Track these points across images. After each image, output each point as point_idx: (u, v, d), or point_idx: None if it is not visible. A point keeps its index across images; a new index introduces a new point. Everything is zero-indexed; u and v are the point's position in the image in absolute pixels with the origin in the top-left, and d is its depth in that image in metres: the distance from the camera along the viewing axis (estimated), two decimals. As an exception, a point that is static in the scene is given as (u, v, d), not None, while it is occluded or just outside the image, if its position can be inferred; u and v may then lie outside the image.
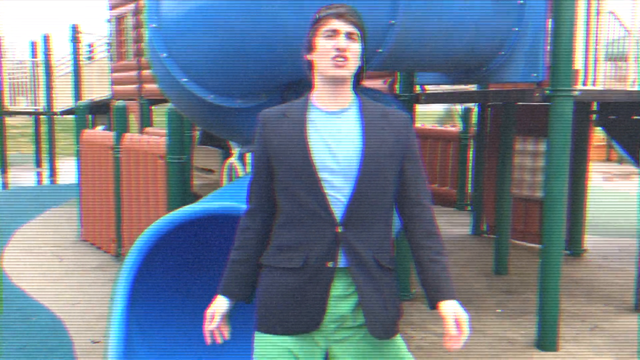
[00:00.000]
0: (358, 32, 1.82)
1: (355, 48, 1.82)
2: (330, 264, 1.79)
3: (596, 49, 4.27)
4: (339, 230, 1.79)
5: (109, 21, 9.33)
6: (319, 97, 1.88)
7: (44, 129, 14.87)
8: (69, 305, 4.98)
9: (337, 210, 1.79)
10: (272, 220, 1.93)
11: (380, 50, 3.36)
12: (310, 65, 1.88)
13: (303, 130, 1.83)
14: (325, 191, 1.79)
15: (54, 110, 13.55)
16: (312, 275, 1.80)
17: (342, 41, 1.80)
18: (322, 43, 1.82)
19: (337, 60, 1.80)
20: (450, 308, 1.81)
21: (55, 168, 13.87)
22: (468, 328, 1.80)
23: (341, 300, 1.82)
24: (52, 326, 4.54)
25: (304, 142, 1.81)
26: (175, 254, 3.22)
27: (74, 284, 5.57)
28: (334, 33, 1.80)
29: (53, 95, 13.55)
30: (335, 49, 1.79)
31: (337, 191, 1.80)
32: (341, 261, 1.80)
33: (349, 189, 1.80)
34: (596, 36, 4.26)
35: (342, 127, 1.84)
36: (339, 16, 1.81)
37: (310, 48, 1.86)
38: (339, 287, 1.81)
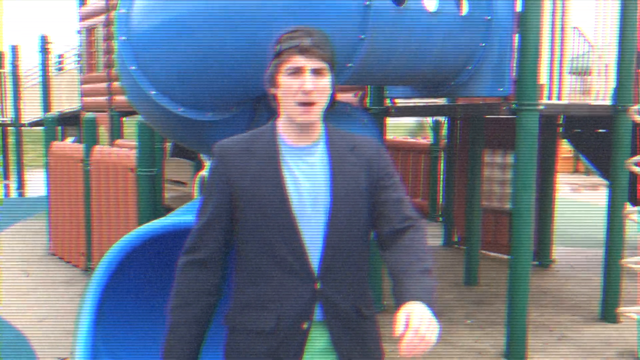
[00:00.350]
0: (326, 66, 1.61)
1: (324, 85, 1.61)
2: (305, 325, 1.61)
3: (561, 64, 4.37)
4: (318, 287, 1.61)
5: (79, 32, 9.24)
6: (287, 131, 1.68)
7: (11, 140, 14.61)
8: (35, 321, 4.88)
9: (314, 261, 1.61)
10: (225, 273, 1.71)
11: (350, 64, 3.40)
12: (275, 97, 1.68)
13: (278, 170, 1.63)
14: (303, 240, 1.61)
15: (22, 121, 13.32)
16: (285, 337, 1.60)
17: (308, 82, 1.59)
18: (285, 82, 1.60)
19: (303, 107, 1.60)
20: (406, 307, 1.43)
21: (23, 180, 13.62)
22: (429, 333, 1.38)
23: (325, 353, 1.66)
24: (16, 343, 4.44)
25: (281, 184, 1.62)
26: (144, 268, 3.18)
27: (41, 299, 5.47)
28: (299, 71, 1.59)
29: (21, 106, 13.32)
30: (301, 92, 1.59)
31: (314, 239, 1.61)
32: (318, 315, 1.62)
33: (322, 234, 1.62)
34: (561, 51, 4.37)
35: (312, 165, 1.66)
36: (303, 51, 1.58)
37: (274, 84, 1.65)
38: (321, 340, 1.65)
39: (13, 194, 12.88)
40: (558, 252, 7.20)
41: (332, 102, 1.70)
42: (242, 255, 1.67)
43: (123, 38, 3.25)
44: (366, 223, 1.69)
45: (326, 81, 1.62)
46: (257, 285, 1.63)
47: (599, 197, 12.03)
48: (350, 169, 1.68)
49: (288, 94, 1.61)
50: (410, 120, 20.05)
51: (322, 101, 1.63)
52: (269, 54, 1.67)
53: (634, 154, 4.80)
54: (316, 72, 1.60)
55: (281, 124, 1.70)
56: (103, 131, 8.96)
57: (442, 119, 9.24)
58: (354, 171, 1.68)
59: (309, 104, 1.60)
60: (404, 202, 1.71)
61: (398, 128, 18.88)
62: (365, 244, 1.72)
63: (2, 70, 13.74)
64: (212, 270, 1.68)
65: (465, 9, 3.93)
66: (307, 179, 1.64)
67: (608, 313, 4.96)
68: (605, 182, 5.84)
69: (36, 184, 13.48)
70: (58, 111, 11.15)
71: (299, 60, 1.59)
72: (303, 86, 1.58)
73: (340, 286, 1.64)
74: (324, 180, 1.65)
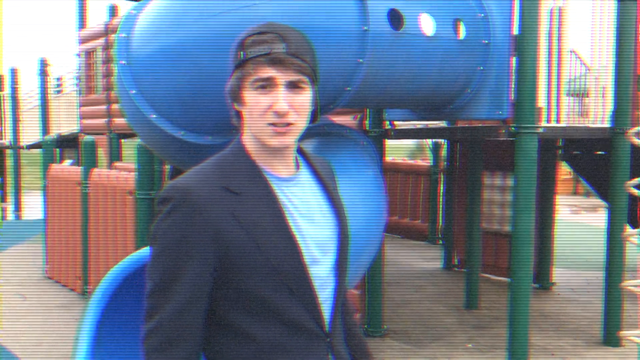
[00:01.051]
0: (307, 79, 1.27)
1: (303, 102, 1.27)
2: None
3: (559, 86, 4.39)
4: (330, 342, 1.34)
5: (78, 55, 9.29)
6: (260, 156, 1.32)
7: (9, 162, 14.60)
8: (32, 346, 4.82)
9: (327, 316, 1.33)
10: None
11: (348, 88, 3.41)
12: (239, 115, 1.33)
13: (280, 212, 1.27)
14: (317, 294, 1.30)
15: (21, 144, 13.34)
16: None
17: (281, 101, 1.24)
18: (253, 99, 1.25)
19: (277, 128, 1.26)
20: None
21: (20, 203, 13.59)
22: None
23: None
24: (13, 368, 4.39)
25: (287, 229, 1.27)
26: (142, 293, 3.15)
27: (37, 323, 5.41)
28: (270, 84, 1.24)
29: (20, 128, 13.36)
30: (273, 112, 1.25)
31: (325, 289, 1.33)
32: None
33: (332, 283, 1.35)
34: (558, 74, 4.39)
35: (305, 200, 1.34)
36: (275, 62, 1.23)
37: (238, 100, 1.30)
38: None
39: (10, 216, 12.83)
40: (558, 274, 7.16)
41: (315, 117, 1.37)
42: (233, 331, 1.27)
43: (123, 62, 3.26)
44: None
45: (305, 97, 1.28)
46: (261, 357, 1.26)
47: (599, 219, 12.01)
48: (339, 200, 1.42)
49: (256, 113, 1.26)
50: (409, 143, 20.12)
51: (301, 122, 1.29)
52: (229, 61, 1.31)
53: (634, 176, 4.80)
54: (293, 86, 1.26)
55: (251, 148, 1.33)
56: (101, 154, 8.97)
57: (441, 141, 9.26)
58: (340, 201, 1.43)
59: (284, 125, 1.26)
60: None
61: (397, 150, 18.92)
62: None
63: (1, 93, 13.80)
64: None
65: (462, 33, 3.96)
66: (305, 219, 1.32)
67: (610, 337, 4.92)
68: (604, 204, 5.83)
69: (33, 206, 13.45)
70: (56, 133, 11.17)
71: (270, 72, 1.23)
72: (275, 106, 1.24)
73: (340, 333, 1.40)
74: (323, 218, 1.36)
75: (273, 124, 1.26)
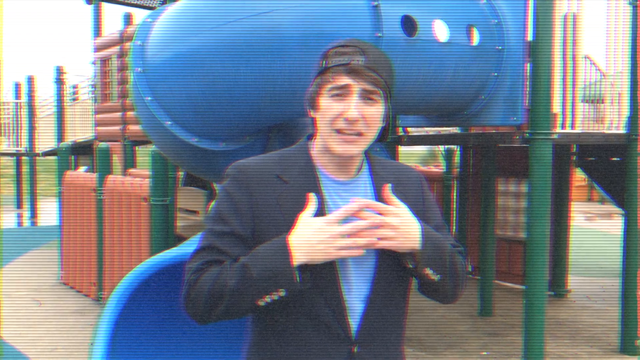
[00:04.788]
0: (380, 92, 1.32)
1: (374, 113, 1.32)
2: None
3: (574, 92, 4.37)
4: (355, 350, 1.34)
5: (93, 63, 9.38)
6: (322, 160, 1.39)
7: (25, 169, 14.75)
8: (47, 351, 4.85)
9: (353, 321, 1.34)
10: None
11: (362, 94, 3.41)
12: (314, 121, 1.40)
13: (322, 209, 1.32)
14: (343, 294, 1.33)
15: (36, 151, 13.47)
16: None
17: (352, 109, 1.30)
18: (326, 104, 1.32)
19: (345, 135, 1.32)
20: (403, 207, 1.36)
21: (36, 209, 13.71)
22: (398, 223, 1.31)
23: None
24: (28, 373, 4.41)
25: None
26: (156, 299, 3.16)
27: (53, 328, 5.45)
28: (344, 92, 1.31)
29: (36, 136, 13.49)
30: (343, 119, 1.31)
31: (354, 294, 1.35)
32: None
33: (365, 290, 1.36)
34: (573, 80, 4.37)
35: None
36: (352, 72, 1.29)
37: (313, 105, 1.37)
38: None
39: (26, 222, 12.95)
40: (573, 281, 7.09)
41: (384, 135, 1.40)
42: (257, 317, 1.38)
43: (139, 69, 3.30)
44: (408, 274, 1.42)
45: (377, 109, 1.33)
46: (284, 345, 1.34)
47: (614, 225, 11.89)
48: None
49: (327, 118, 1.32)
50: (422, 149, 20.04)
51: (370, 133, 1.34)
52: (313, 69, 1.40)
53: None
54: (366, 97, 1.31)
55: (316, 151, 1.40)
56: (116, 160, 9.03)
57: (454, 147, 9.22)
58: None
59: (354, 134, 1.32)
60: (445, 234, 1.47)
61: (410, 156, 18.87)
62: (406, 298, 1.47)
63: (18, 101, 13.96)
64: None
65: (476, 39, 3.95)
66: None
67: (627, 345, 4.86)
68: (620, 210, 5.78)
69: (49, 212, 13.56)
70: (72, 141, 11.27)
71: (346, 80, 1.30)
72: (346, 112, 1.30)
73: (379, 350, 1.38)
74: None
75: (341, 132, 1.32)
